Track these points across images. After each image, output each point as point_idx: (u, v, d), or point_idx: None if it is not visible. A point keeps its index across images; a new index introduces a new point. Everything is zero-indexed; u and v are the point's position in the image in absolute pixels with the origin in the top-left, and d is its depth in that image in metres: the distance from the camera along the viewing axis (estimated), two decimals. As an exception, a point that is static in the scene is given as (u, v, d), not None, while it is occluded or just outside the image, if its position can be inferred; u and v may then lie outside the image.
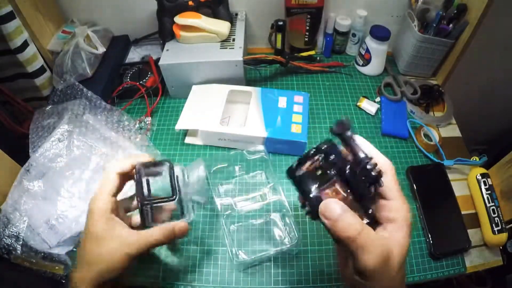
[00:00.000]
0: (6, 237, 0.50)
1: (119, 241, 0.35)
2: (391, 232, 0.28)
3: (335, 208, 0.27)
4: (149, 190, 0.38)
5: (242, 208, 0.54)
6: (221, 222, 0.50)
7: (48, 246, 0.51)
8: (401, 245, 0.28)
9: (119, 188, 0.39)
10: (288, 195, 0.54)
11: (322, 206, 0.27)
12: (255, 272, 0.50)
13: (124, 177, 0.39)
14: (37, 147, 0.59)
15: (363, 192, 0.28)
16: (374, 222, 0.29)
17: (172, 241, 0.43)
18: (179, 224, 0.39)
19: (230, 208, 0.53)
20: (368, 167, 0.28)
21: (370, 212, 0.29)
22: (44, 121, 0.63)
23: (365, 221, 0.29)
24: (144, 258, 0.45)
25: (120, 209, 0.39)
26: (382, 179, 0.29)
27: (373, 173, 0.28)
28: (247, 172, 0.59)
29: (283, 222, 0.53)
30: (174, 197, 0.39)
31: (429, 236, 0.53)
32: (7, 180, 0.57)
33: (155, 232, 0.37)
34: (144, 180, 0.39)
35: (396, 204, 0.29)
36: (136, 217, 0.43)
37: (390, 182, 0.29)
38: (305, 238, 0.53)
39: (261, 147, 0.57)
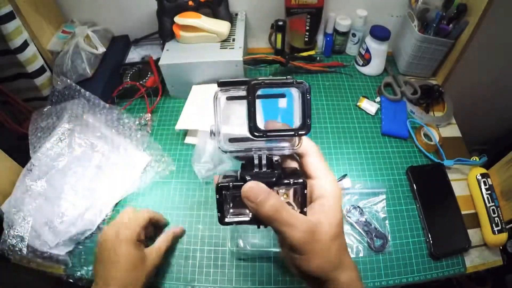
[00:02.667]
0: (11, 238, 0.50)
1: (146, 258, 0.45)
2: (317, 208, 0.29)
3: (257, 190, 0.27)
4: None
5: None
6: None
7: (48, 246, 0.51)
8: (329, 216, 0.29)
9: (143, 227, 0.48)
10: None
11: (244, 189, 0.27)
12: (255, 273, 0.50)
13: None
14: (37, 148, 0.60)
15: (270, 179, 0.28)
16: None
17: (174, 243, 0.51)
18: (176, 230, 0.52)
19: None
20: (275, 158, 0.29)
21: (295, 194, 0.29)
22: (42, 122, 0.63)
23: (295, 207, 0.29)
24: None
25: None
26: (307, 159, 0.30)
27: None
28: None
29: None
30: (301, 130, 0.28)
31: (429, 236, 0.53)
32: (8, 180, 0.57)
33: (162, 244, 0.49)
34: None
35: (321, 182, 0.30)
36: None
37: (314, 161, 0.31)
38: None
39: None
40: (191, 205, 0.57)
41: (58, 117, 0.64)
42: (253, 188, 0.27)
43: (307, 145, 0.31)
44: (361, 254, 0.52)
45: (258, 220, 0.28)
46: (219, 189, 0.28)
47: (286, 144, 0.30)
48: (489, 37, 0.76)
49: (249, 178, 0.28)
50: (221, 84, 0.28)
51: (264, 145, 0.30)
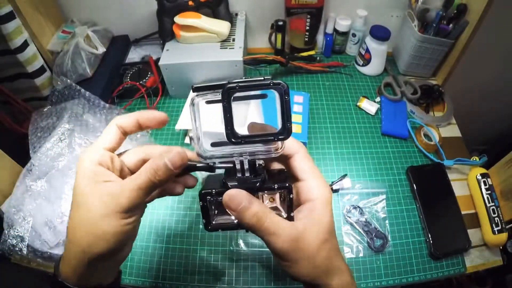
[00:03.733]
0: (11, 238, 0.50)
1: (103, 196, 0.25)
2: (304, 212, 0.28)
3: (239, 198, 0.26)
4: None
5: None
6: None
7: (48, 246, 0.51)
8: (316, 222, 0.27)
9: (117, 143, 0.29)
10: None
11: (225, 197, 0.26)
12: (255, 273, 0.50)
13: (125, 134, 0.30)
14: (37, 148, 0.60)
15: (253, 185, 0.27)
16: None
17: (168, 179, 0.27)
18: (174, 151, 0.27)
19: None
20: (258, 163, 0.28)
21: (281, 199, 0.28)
22: (42, 122, 0.63)
23: (282, 212, 0.28)
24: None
25: (116, 166, 0.29)
26: (293, 161, 0.29)
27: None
28: None
29: None
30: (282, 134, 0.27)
31: (429, 236, 0.53)
32: (8, 180, 0.57)
33: (143, 171, 0.26)
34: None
35: (308, 185, 0.29)
36: None
37: (300, 163, 0.29)
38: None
39: None
40: (191, 205, 0.57)
41: (58, 117, 0.64)
42: (234, 196, 0.26)
43: (292, 146, 0.30)
44: (361, 254, 0.52)
45: (242, 225, 0.27)
46: (202, 196, 0.28)
47: (269, 148, 0.28)
48: (489, 37, 0.77)
49: (232, 184, 0.27)
50: (196, 89, 0.27)
51: (247, 149, 0.28)
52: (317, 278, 0.28)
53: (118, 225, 0.25)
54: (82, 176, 0.26)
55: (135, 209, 0.26)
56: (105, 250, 0.25)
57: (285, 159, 0.30)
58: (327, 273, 0.28)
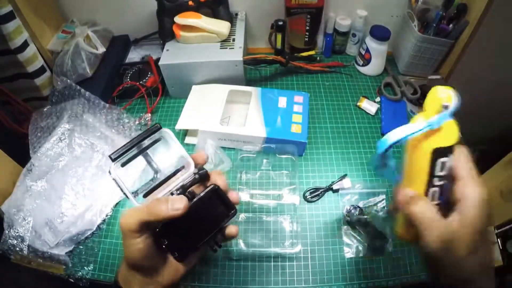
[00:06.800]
0: (11, 238, 0.50)
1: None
2: (457, 214, 0.27)
3: (407, 191, 0.29)
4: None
5: (256, 200, 0.56)
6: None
7: (48, 246, 0.51)
8: (468, 226, 0.26)
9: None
10: (302, 201, 0.57)
11: (394, 191, 0.31)
12: (255, 272, 0.50)
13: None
14: (37, 148, 0.60)
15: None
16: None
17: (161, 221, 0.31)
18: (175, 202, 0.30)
19: (245, 203, 0.55)
20: None
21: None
22: (42, 122, 0.63)
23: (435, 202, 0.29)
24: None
25: None
26: (452, 157, 0.29)
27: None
28: (274, 168, 0.60)
29: (290, 226, 0.54)
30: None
31: (429, 236, 0.53)
32: (7, 180, 0.57)
33: (145, 210, 0.30)
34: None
35: (461, 184, 0.28)
36: None
37: (458, 162, 0.29)
38: (307, 243, 0.53)
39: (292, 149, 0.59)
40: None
41: (58, 117, 0.64)
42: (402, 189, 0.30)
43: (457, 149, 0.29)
44: (361, 254, 0.52)
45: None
46: (157, 236, 0.32)
47: (187, 174, 0.34)
48: (489, 37, 0.76)
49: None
50: (115, 159, 0.31)
51: (173, 184, 0.33)
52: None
53: (134, 242, 0.30)
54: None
55: (141, 230, 0.30)
56: (130, 259, 0.31)
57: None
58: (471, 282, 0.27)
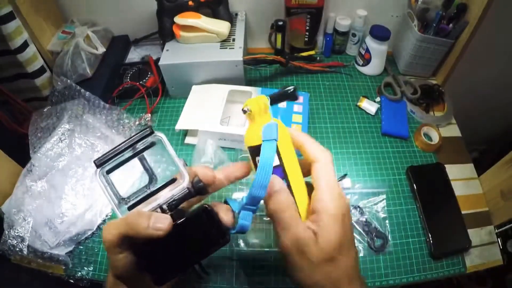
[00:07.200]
0: (11, 238, 0.50)
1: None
2: (314, 225, 0.27)
3: (276, 182, 0.28)
4: None
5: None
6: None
7: (48, 246, 0.51)
8: (323, 236, 0.26)
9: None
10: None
11: (272, 180, 0.28)
12: (255, 273, 0.50)
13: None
14: (37, 149, 0.60)
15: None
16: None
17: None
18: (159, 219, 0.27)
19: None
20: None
21: None
22: (42, 122, 0.63)
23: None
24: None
25: None
26: (313, 168, 0.29)
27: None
28: None
29: None
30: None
31: (429, 236, 0.53)
32: (8, 181, 0.57)
33: (122, 224, 0.28)
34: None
35: (318, 194, 0.28)
36: None
37: (318, 172, 0.29)
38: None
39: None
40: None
41: (58, 118, 0.64)
42: (274, 178, 0.28)
43: (314, 154, 0.30)
44: (361, 254, 0.52)
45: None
46: (137, 253, 0.28)
47: (179, 188, 0.29)
48: (489, 37, 0.76)
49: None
50: (100, 165, 0.28)
51: (163, 198, 0.29)
52: None
53: (116, 258, 0.28)
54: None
55: (122, 244, 0.27)
56: (114, 271, 0.29)
57: (308, 166, 0.30)
58: None
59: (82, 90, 0.66)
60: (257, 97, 0.30)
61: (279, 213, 0.27)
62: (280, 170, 0.29)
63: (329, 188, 0.28)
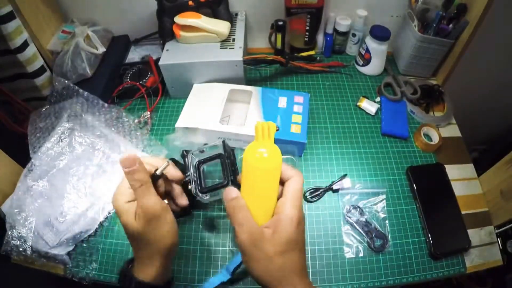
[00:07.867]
0: (14, 239, 0.50)
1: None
2: (272, 224, 0.33)
3: (232, 191, 0.35)
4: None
5: None
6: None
7: (48, 246, 0.51)
8: (278, 233, 0.32)
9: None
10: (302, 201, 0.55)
11: (226, 190, 0.35)
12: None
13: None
14: (37, 148, 0.60)
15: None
16: None
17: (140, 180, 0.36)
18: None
19: None
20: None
21: None
22: (41, 122, 0.63)
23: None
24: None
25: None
26: (286, 183, 0.35)
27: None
28: None
29: None
30: (226, 183, 0.44)
31: (429, 236, 0.53)
32: (8, 181, 0.57)
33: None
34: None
35: (281, 200, 0.34)
36: None
37: (287, 185, 0.35)
38: (307, 243, 0.53)
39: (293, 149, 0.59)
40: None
41: (56, 117, 0.64)
42: (229, 189, 0.36)
43: (289, 173, 0.35)
44: (361, 254, 0.52)
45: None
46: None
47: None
48: (489, 37, 0.76)
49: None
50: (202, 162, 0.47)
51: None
52: (269, 284, 0.31)
53: (149, 196, 0.36)
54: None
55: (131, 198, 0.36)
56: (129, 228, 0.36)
57: (284, 181, 0.36)
58: (279, 284, 0.31)
59: (81, 90, 0.66)
60: (267, 122, 0.35)
61: (236, 213, 0.33)
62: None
63: (292, 198, 0.34)
